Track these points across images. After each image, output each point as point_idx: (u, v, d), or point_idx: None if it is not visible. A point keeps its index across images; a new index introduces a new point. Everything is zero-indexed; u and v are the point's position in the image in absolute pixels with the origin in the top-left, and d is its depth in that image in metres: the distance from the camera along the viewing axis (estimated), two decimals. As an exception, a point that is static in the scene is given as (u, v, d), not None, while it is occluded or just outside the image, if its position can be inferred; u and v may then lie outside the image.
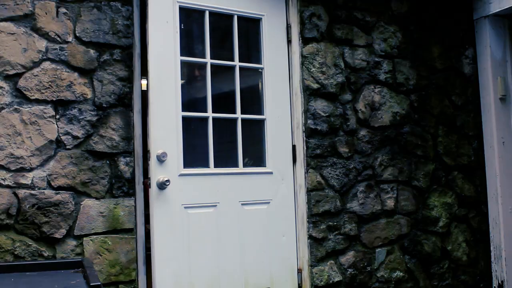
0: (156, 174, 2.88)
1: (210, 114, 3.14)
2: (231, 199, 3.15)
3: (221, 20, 3.27)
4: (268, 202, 3.29)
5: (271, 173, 3.31)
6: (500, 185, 3.91)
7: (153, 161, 2.88)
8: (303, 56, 3.43)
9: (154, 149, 2.88)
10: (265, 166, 3.32)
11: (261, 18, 3.37)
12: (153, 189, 2.88)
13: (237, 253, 3.13)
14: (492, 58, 3.98)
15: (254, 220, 3.22)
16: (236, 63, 3.27)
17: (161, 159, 2.89)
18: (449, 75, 3.99)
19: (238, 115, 3.25)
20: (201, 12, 3.17)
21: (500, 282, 3.90)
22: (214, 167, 3.13)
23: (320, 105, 3.45)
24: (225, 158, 3.21)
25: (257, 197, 3.25)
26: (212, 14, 3.20)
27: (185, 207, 2.99)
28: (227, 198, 3.14)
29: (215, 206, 3.10)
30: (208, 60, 3.16)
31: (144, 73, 3.16)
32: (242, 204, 3.19)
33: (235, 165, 3.21)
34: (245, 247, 3.17)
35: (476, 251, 3.96)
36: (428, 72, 3.90)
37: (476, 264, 3.95)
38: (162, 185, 2.87)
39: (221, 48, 3.25)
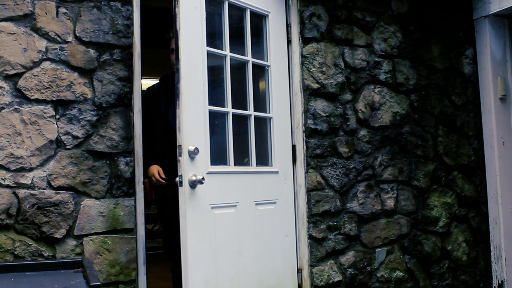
0: (188, 171, 2.65)
1: (230, 109, 3.00)
2: (247, 199, 3.05)
3: (234, 13, 3.16)
4: (275, 202, 3.24)
5: (277, 172, 3.28)
6: (500, 185, 3.91)
7: (185, 157, 2.64)
8: (303, 56, 3.43)
9: (186, 144, 2.65)
10: (271, 166, 3.27)
11: (268, 15, 3.32)
12: (185, 188, 2.64)
13: (253, 255, 3.05)
14: (492, 58, 3.98)
15: (266, 220, 3.16)
16: (249, 58, 3.17)
17: (192, 155, 2.67)
18: (449, 75, 3.99)
19: (251, 112, 3.14)
20: (220, 3, 3.04)
21: (500, 282, 3.90)
22: (234, 165, 3.01)
23: (320, 105, 3.45)
24: (238, 156, 3.10)
25: (267, 197, 3.19)
26: (229, 5, 3.07)
27: (212, 207, 2.82)
28: (245, 197, 3.04)
29: (235, 206, 2.98)
30: (228, 52, 3.03)
31: (144, 73, 3.16)
32: (256, 204, 3.10)
33: (248, 163, 3.12)
34: (259, 247, 3.09)
35: (476, 251, 3.96)
36: (428, 72, 3.90)
37: (476, 264, 3.96)
38: (193, 184, 2.66)
39: (233, 42, 3.12)
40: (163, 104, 3.43)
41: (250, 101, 3.14)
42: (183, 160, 2.64)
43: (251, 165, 3.12)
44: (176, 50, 2.69)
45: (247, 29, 3.18)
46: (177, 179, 2.68)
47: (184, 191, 2.65)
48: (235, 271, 2.94)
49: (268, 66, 3.31)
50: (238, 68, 3.17)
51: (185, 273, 2.64)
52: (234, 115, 3.05)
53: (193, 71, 2.78)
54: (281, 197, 3.29)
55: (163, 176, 3.30)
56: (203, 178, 2.66)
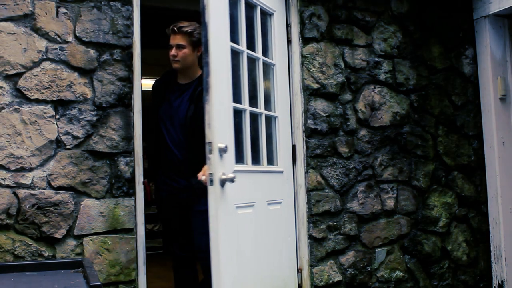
0: (218, 169, 2.52)
1: (247, 107, 2.92)
2: (262, 198, 2.98)
3: (246, 9, 3.05)
4: (280, 202, 3.21)
5: (282, 172, 3.24)
6: (500, 185, 3.91)
7: (215, 155, 2.50)
8: (303, 56, 3.43)
9: (216, 141, 2.52)
10: (277, 165, 3.23)
11: (273, 13, 3.28)
12: (216, 186, 2.51)
13: (267, 255, 3.00)
14: (492, 58, 3.98)
15: (274, 220, 3.11)
16: (260, 56, 3.10)
17: (221, 153, 2.54)
18: (449, 75, 3.99)
19: (262, 110, 3.09)
20: None
21: (500, 282, 3.90)
22: (252, 164, 2.93)
23: (320, 105, 3.45)
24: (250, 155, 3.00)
25: (275, 197, 3.14)
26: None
27: (236, 207, 2.71)
28: (260, 197, 2.97)
29: (253, 205, 2.89)
30: (245, 49, 2.94)
31: (144, 73, 3.16)
32: (268, 204, 3.04)
33: (258, 162, 3.05)
34: (270, 248, 3.04)
35: (476, 251, 3.96)
36: (428, 72, 3.90)
37: (476, 264, 3.96)
38: (223, 183, 2.55)
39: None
40: (156, 102, 3.40)
41: (261, 99, 3.09)
42: (214, 158, 2.50)
43: (262, 164, 3.06)
44: (205, 43, 2.55)
45: (258, 27, 3.11)
46: (202, 177, 2.61)
47: (215, 190, 2.52)
48: (255, 272, 2.88)
49: (274, 64, 3.27)
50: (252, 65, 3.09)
51: (216, 275, 2.50)
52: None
53: (220, 65, 2.66)
54: (285, 197, 3.27)
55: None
56: (234, 177, 2.55)
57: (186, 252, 3.29)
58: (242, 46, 2.93)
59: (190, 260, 3.33)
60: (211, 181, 2.50)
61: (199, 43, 3.20)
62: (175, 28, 3.20)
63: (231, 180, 2.55)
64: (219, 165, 2.53)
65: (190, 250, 3.28)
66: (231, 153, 2.66)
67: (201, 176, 2.74)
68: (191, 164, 3.12)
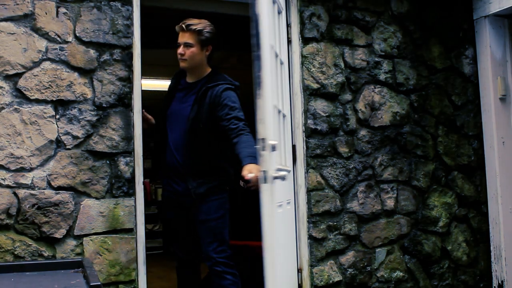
0: (271, 166, 2.42)
1: (276, 103, 2.83)
2: (285, 197, 2.96)
3: None
4: (289, 202, 3.20)
5: (289, 171, 3.21)
6: (500, 185, 3.91)
7: (268, 152, 2.39)
8: (303, 56, 3.43)
9: (269, 138, 2.41)
10: (285, 165, 3.18)
11: (281, 12, 3.24)
12: (270, 184, 2.41)
13: (289, 255, 3.00)
14: (492, 58, 3.98)
15: (289, 220, 3.12)
16: (279, 53, 3.04)
17: (273, 150, 2.44)
18: (449, 75, 3.99)
19: (281, 108, 3.03)
20: None
21: (500, 282, 3.90)
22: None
23: (320, 105, 3.45)
24: None
25: (288, 196, 3.14)
26: None
27: (278, 206, 2.63)
28: (284, 196, 2.94)
29: (281, 205, 2.84)
30: (274, 43, 2.85)
31: (144, 73, 3.15)
32: (287, 203, 3.05)
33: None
34: (287, 247, 3.05)
35: (476, 251, 3.96)
36: (428, 72, 3.90)
37: (476, 264, 3.96)
38: (274, 181, 2.44)
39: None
40: (165, 101, 3.36)
41: (279, 97, 3.02)
42: (267, 155, 2.38)
43: (281, 163, 3.01)
44: (256, 36, 2.44)
45: (276, 23, 3.04)
46: (250, 175, 2.53)
47: (268, 189, 2.40)
48: (283, 272, 2.85)
49: (282, 63, 3.20)
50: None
51: (271, 279, 2.37)
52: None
53: (267, 60, 2.53)
54: (291, 196, 3.28)
55: None
56: (286, 175, 2.45)
57: (188, 254, 3.28)
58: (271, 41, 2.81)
59: (192, 262, 3.32)
60: (265, 179, 2.39)
61: (208, 42, 3.15)
62: (184, 26, 3.14)
63: (283, 178, 2.45)
64: (269, 162, 2.42)
65: (192, 251, 3.27)
66: (276, 151, 2.56)
67: (248, 175, 2.60)
68: (192, 165, 3.09)
